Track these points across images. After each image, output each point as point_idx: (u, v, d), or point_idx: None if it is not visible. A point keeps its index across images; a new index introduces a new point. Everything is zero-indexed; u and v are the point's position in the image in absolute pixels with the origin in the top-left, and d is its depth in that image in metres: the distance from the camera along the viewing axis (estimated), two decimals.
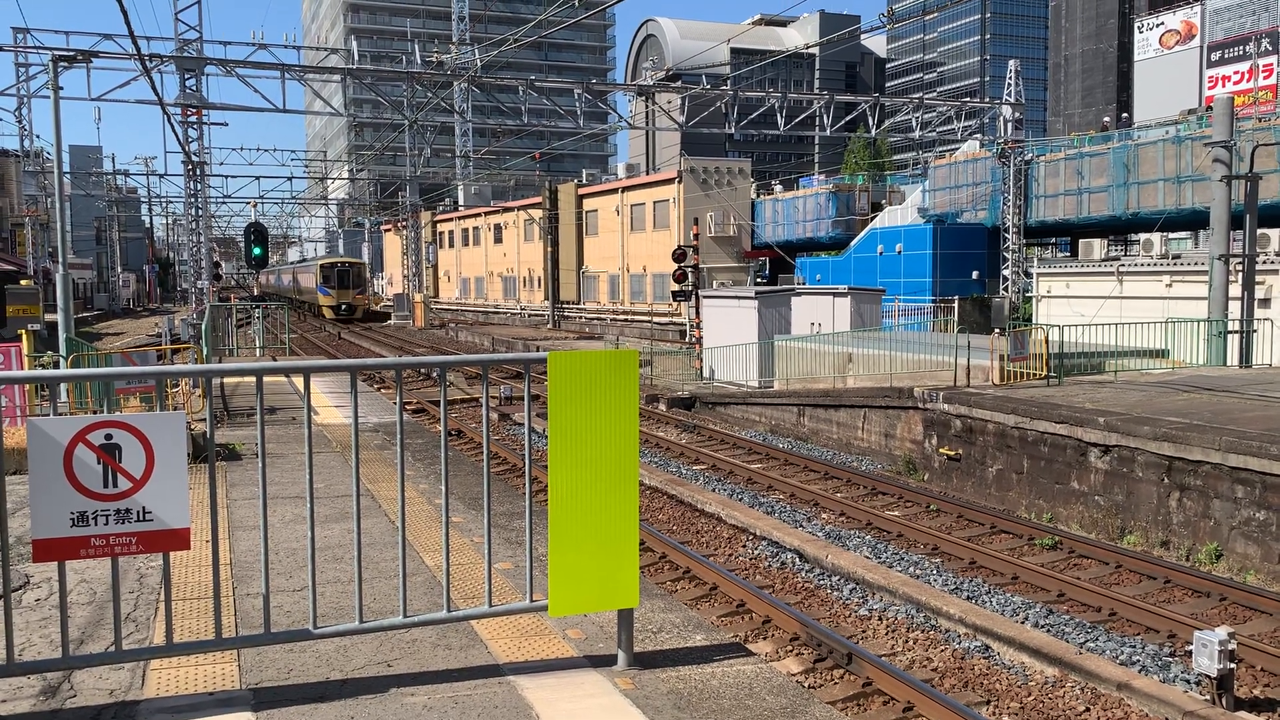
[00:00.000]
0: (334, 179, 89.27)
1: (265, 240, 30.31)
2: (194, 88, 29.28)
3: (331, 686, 4.70)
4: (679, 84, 45.00)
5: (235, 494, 9.27)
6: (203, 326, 23.71)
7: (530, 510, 5.09)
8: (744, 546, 12.32)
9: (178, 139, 29.66)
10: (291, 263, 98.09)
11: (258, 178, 60.80)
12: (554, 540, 4.70)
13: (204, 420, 12.14)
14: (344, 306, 65.79)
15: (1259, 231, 23.41)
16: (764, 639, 9.06)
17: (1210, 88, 70.73)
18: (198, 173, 31.74)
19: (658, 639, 5.46)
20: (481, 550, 5.06)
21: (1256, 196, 21.28)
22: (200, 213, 32.95)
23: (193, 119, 30.52)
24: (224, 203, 70.10)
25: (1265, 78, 69.46)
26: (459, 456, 15.22)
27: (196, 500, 9.07)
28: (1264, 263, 25.29)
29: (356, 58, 37.89)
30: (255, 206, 71.72)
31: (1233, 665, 7.45)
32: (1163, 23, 78.75)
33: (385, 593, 6.09)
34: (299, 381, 17.17)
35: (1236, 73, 71.81)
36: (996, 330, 20.38)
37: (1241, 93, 63.83)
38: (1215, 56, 74.00)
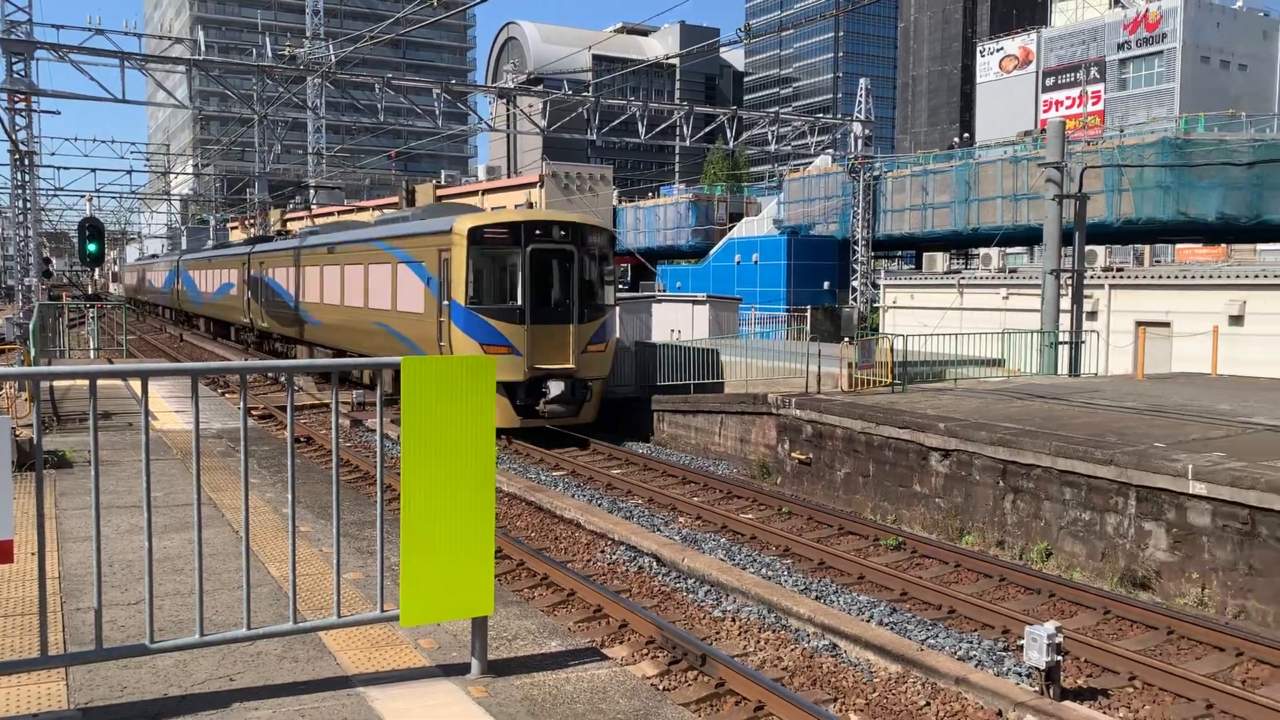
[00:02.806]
0: (177, 173, 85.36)
1: (101, 236, 28.75)
2: (22, 72, 27.59)
3: (169, 703, 4.50)
4: (540, 88, 44.95)
5: (66, 504, 8.77)
6: (31, 326, 22.34)
7: (382, 518, 4.99)
8: (602, 551, 12.36)
9: (3, 127, 27.89)
10: (313, 231, 35.42)
11: (94, 170, 57.18)
12: (406, 548, 4.62)
13: (30, 426, 11.44)
14: (564, 389, 19.02)
15: (1087, 248, 24.89)
16: (621, 643, 9.10)
17: (1045, 111, 74.98)
18: (26, 163, 29.92)
19: (513, 646, 5.43)
20: (331, 560, 4.94)
21: (1085, 215, 22.62)
22: (29, 206, 31.04)
23: (20, 106, 28.76)
24: (56, 195, 65.98)
25: (1094, 104, 74.05)
26: (308, 464, 14.79)
27: (21, 510, 8.55)
28: (1091, 278, 26.93)
29: (203, 48, 36.39)
30: (91, 200, 67.67)
31: (1060, 658, 7.88)
32: (1002, 48, 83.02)
33: (229, 605, 5.87)
34: (136, 385, 16.38)
35: (1069, 98, 76.26)
36: (845, 339, 21.05)
37: (1073, 117, 67.88)
38: (1050, 82, 78.45)
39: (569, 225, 19.40)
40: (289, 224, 79.09)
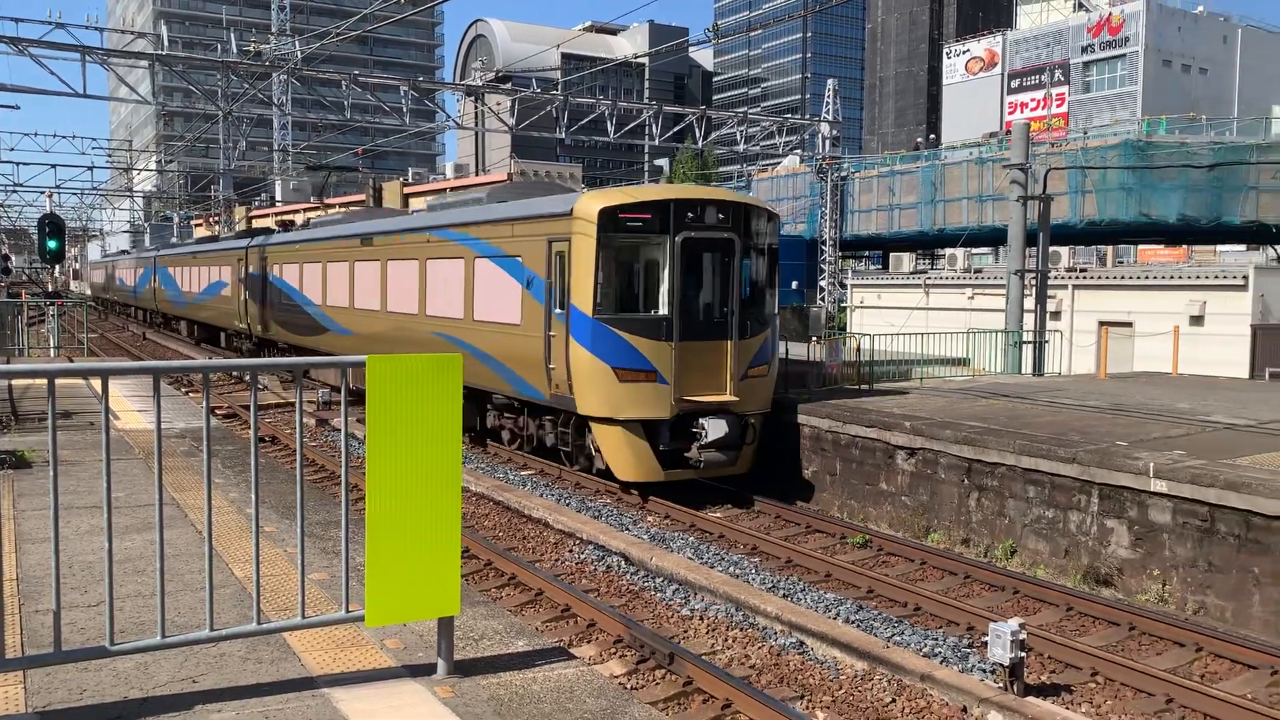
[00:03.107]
0: (140, 170, 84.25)
1: (61, 232, 28.35)
2: None
3: (129, 706, 4.45)
4: (509, 86, 44.81)
5: (25, 504, 8.64)
6: None
7: (347, 518, 4.96)
8: (570, 551, 12.33)
9: None
10: (328, 221, 28.35)
11: (54, 166, 56.43)
12: (371, 548, 4.59)
13: None
14: (727, 430, 14.42)
15: (1051, 249, 25.18)
16: (588, 643, 9.09)
17: (1010, 113, 75.78)
18: None
19: (479, 646, 5.41)
20: (296, 560, 4.90)
21: (1049, 216, 22.87)
22: None
23: None
24: (15, 191, 64.87)
25: (1058, 106, 74.94)
26: (273, 464, 14.67)
27: None
28: (1055, 278, 27.24)
29: (167, 43, 35.99)
30: (51, 197, 66.56)
31: (1023, 654, 7.96)
32: (968, 50, 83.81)
33: (191, 606, 5.80)
34: (97, 384, 16.17)
35: (1033, 100, 77.09)
36: (814, 338, 21.17)
37: (1037, 119, 68.56)
38: (1015, 84, 79.29)
39: (729, 206, 14.83)
40: (254, 221, 78.34)
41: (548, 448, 16.56)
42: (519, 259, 15.85)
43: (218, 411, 21.63)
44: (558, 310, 14.76)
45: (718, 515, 13.88)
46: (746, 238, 14.78)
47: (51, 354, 27.62)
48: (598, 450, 14.79)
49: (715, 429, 14.20)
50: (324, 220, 28.92)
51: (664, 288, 14.29)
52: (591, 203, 14.47)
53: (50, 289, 78.99)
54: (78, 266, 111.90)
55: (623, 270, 14.66)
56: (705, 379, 14.34)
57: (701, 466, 14.42)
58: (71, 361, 24.85)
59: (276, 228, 35.63)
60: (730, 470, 14.76)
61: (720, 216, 14.58)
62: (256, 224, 77.68)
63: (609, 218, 14.14)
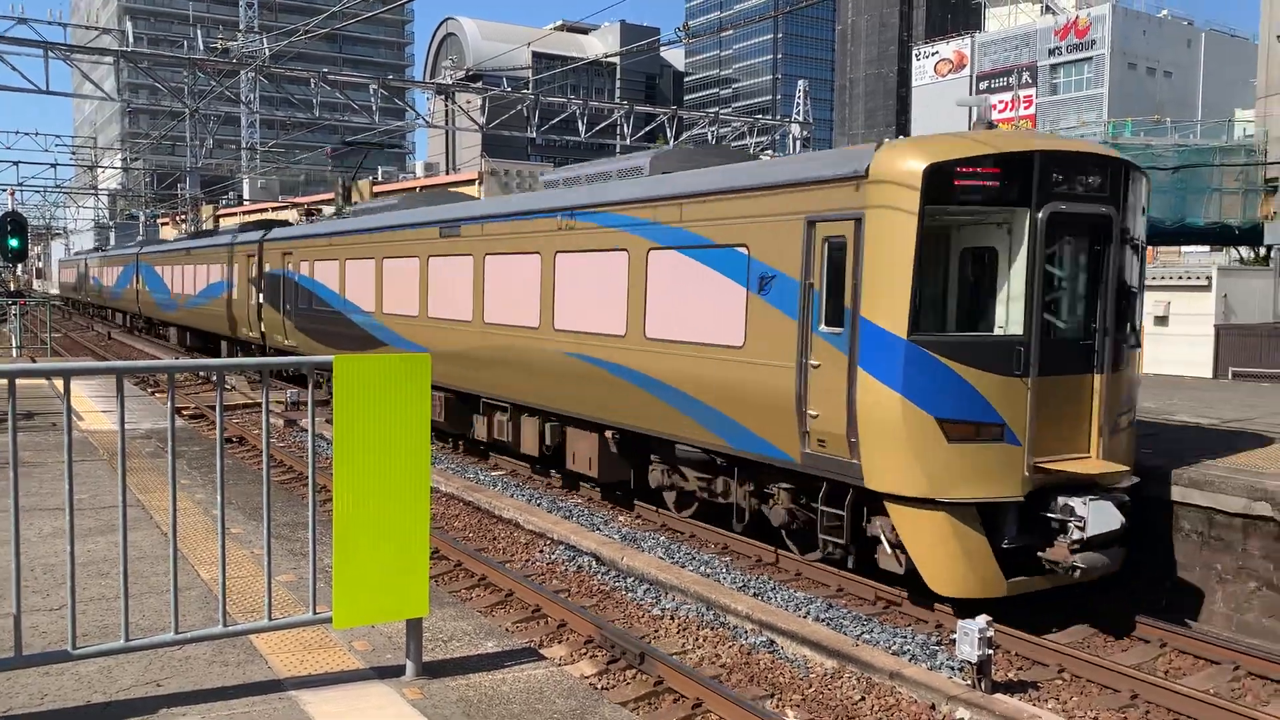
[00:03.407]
0: (105, 168, 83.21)
1: (24, 231, 27.98)
2: None
3: (93, 711, 4.40)
4: (479, 84, 44.66)
5: None
6: None
7: (314, 519, 4.92)
8: (541, 551, 12.31)
9: None
10: (372, 209, 22.93)
11: (16, 163, 55.80)
12: (339, 550, 4.56)
13: None
14: (1117, 520, 9.16)
15: None
16: (559, 643, 9.08)
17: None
18: None
19: (448, 648, 5.39)
20: (263, 562, 4.86)
21: None
22: None
23: None
24: None
25: (1026, 108, 75.59)
26: (240, 465, 14.54)
27: None
28: None
29: (132, 40, 35.56)
30: (13, 194, 65.70)
31: (990, 651, 8.03)
32: (937, 52, 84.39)
33: (156, 609, 5.74)
34: (60, 384, 15.89)
35: (1001, 102, 77.66)
36: None
37: (1005, 121, 69.13)
38: (983, 86, 79.92)
39: (1107, 164, 9.72)
40: (222, 220, 77.53)
41: (772, 527, 11.41)
42: (741, 249, 10.88)
43: (184, 412, 21.43)
44: (825, 327, 9.76)
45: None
46: (1124, 215, 9.80)
47: (14, 354, 27.27)
48: (897, 545, 9.66)
49: (1101, 517, 9.10)
50: (365, 208, 24.15)
51: (1012, 291, 9.38)
52: (907, 156, 9.21)
53: (13, 288, 77.82)
54: (40, 265, 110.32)
55: (949, 264, 10.09)
56: (1061, 434, 9.39)
57: (1079, 575, 9.24)
58: (34, 361, 24.53)
59: (300, 219, 32.19)
60: (1107, 571, 9.49)
61: (1094, 181, 9.54)
62: (224, 223, 76.78)
63: (939, 179, 8.97)
